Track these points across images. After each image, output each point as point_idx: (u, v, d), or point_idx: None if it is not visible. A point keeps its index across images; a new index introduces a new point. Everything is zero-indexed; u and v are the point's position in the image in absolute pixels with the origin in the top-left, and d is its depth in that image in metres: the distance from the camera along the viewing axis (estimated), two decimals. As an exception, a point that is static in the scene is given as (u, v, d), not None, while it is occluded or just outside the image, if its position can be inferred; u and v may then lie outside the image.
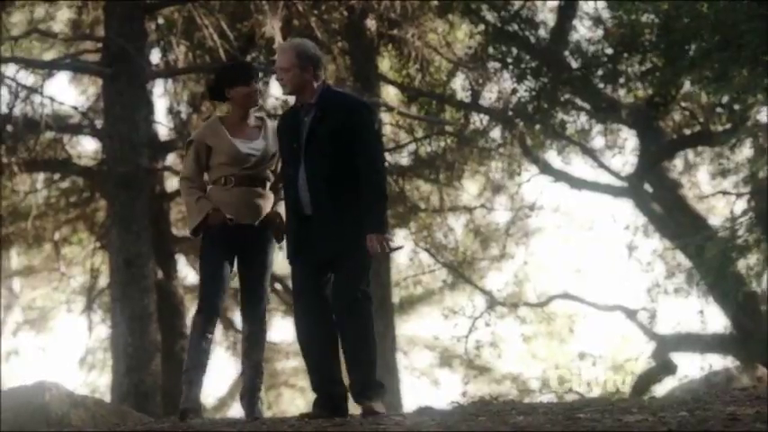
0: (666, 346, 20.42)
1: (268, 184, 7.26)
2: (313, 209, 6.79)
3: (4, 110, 16.55)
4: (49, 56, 18.84)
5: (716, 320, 19.51)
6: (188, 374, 7.06)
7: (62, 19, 19.58)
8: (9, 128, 16.90)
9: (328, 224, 6.75)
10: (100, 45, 16.24)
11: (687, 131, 19.44)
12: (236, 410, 23.37)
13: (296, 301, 7.00)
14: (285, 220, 7.04)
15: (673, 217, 19.29)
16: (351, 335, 6.77)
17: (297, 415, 7.01)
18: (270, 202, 7.23)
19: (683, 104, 18.94)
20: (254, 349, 7.18)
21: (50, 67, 16.24)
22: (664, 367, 20.45)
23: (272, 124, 7.30)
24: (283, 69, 6.89)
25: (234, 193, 7.12)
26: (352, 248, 6.75)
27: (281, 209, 7.13)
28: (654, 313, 20.33)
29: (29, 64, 16.27)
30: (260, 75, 7.41)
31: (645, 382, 20.61)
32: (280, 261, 9.36)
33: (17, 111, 16.22)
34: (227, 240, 7.09)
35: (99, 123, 18.12)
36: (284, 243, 7.15)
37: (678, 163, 20.40)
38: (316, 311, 6.84)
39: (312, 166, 6.79)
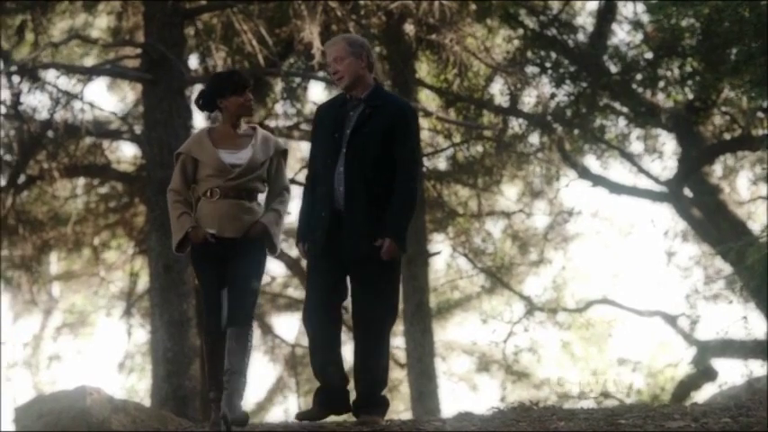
0: (707, 352, 20.25)
1: (258, 196, 7.11)
2: (346, 204, 6.70)
3: (45, 115, 16.68)
4: (87, 62, 18.95)
5: (758, 326, 19.36)
6: (211, 395, 6.98)
7: (100, 26, 19.71)
8: (50, 133, 17.01)
9: (361, 223, 6.68)
10: (139, 51, 16.30)
11: (727, 136, 19.29)
12: (274, 414, 23.42)
13: (310, 294, 6.89)
14: (313, 214, 6.87)
15: (713, 222, 19.15)
16: (365, 348, 6.72)
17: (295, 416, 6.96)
18: (256, 215, 7.05)
19: (723, 109, 18.79)
20: (235, 358, 6.90)
21: (91, 73, 16.30)
22: (704, 373, 20.29)
23: (263, 133, 7.17)
24: (338, 59, 6.80)
25: (218, 206, 6.97)
26: (379, 259, 6.67)
27: (270, 219, 7.00)
28: (694, 319, 20.15)
29: (69, 70, 16.35)
30: (251, 84, 7.11)
31: (685, 388, 20.47)
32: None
33: (57, 116, 16.32)
34: (214, 255, 6.97)
35: (137, 129, 18.21)
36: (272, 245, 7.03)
37: (718, 168, 20.24)
38: (327, 307, 6.78)
39: (352, 160, 6.72)
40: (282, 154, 7.19)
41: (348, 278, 6.88)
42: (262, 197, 7.17)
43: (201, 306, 7.18)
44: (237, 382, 6.89)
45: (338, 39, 6.96)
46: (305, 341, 24.27)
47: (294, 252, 20.79)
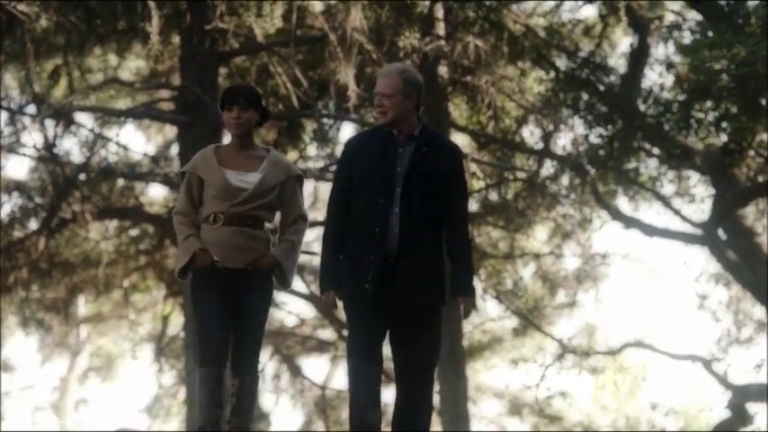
0: (742, 396, 20.05)
1: (265, 224, 6.56)
2: (400, 247, 6.24)
3: (79, 158, 16.70)
4: (120, 104, 19.00)
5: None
6: None
7: (131, 68, 19.77)
8: (82, 176, 17.04)
9: (415, 268, 6.26)
10: (173, 93, 16.32)
11: (762, 179, 19.14)
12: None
13: (354, 349, 6.40)
14: (355, 256, 6.33)
15: (748, 265, 19.00)
16: (414, 395, 6.34)
17: None
18: (263, 244, 6.51)
19: (758, 151, 18.66)
20: (240, 410, 6.43)
21: (126, 116, 16.34)
22: (739, 418, 20.08)
23: (276, 155, 6.62)
24: (385, 96, 6.30)
25: (221, 233, 6.41)
26: (433, 310, 6.34)
27: (283, 252, 6.57)
28: (759, 363, 19.92)
29: (106, 113, 16.40)
30: (240, 101, 6.52)
31: (720, 432, 20.27)
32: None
33: (92, 160, 16.35)
34: (219, 283, 6.40)
35: (167, 170, 18.21)
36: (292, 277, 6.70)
37: (752, 210, 20.10)
38: (375, 366, 6.36)
39: (410, 202, 6.25)
40: (297, 179, 6.64)
41: (389, 328, 6.42)
42: (267, 225, 6.61)
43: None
44: None
45: (394, 71, 6.38)
46: (334, 384, 24.21)
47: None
